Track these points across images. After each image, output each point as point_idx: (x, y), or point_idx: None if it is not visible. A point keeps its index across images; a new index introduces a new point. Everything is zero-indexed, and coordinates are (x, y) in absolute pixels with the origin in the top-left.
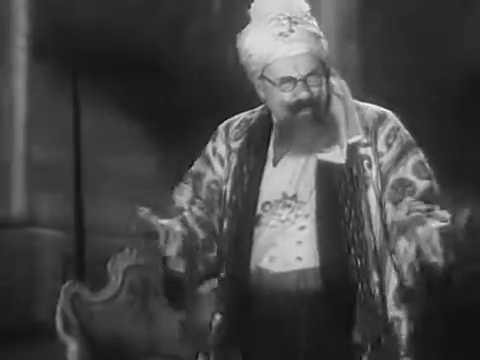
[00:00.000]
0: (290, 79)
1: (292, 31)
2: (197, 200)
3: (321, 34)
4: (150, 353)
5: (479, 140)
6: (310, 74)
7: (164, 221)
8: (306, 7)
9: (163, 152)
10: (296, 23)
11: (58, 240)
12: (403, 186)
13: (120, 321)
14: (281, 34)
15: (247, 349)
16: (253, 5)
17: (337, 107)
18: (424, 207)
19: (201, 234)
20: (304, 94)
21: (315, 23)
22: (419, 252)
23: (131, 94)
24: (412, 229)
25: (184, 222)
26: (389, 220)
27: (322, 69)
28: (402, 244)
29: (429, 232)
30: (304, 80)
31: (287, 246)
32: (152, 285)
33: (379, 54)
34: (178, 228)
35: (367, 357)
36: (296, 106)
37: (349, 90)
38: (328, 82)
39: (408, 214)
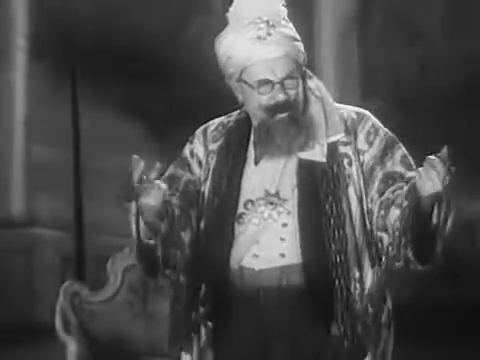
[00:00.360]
0: (267, 82)
1: (270, 34)
2: (176, 193)
3: (298, 37)
4: (149, 353)
5: None
6: (287, 77)
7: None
8: (283, 11)
9: (163, 152)
10: (274, 27)
11: (58, 240)
12: (393, 179)
13: (119, 321)
14: (259, 37)
15: (225, 344)
16: (231, 9)
17: (315, 108)
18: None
19: (177, 211)
20: (281, 97)
21: (292, 27)
22: (414, 195)
23: (131, 94)
24: (400, 199)
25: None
26: (376, 205)
27: (299, 72)
28: (393, 213)
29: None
30: (281, 83)
31: (270, 243)
32: (152, 285)
33: (379, 54)
34: (164, 186)
35: (344, 350)
36: (273, 109)
37: (327, 91)
38: (305, 84)
39: (393, 192)
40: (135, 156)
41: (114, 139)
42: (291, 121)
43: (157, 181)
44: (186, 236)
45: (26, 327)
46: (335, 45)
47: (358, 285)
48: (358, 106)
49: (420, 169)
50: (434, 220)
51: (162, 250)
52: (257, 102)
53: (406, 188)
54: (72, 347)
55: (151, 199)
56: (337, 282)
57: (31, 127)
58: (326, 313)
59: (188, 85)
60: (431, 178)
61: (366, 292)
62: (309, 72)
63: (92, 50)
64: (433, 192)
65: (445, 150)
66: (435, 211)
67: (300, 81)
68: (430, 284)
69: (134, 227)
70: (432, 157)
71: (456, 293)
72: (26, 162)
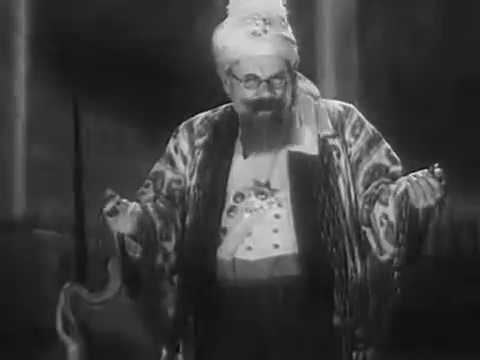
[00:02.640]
0: (255, 78)
1: (265, 32)
2: (160, 196)
3: (294, 40)
4: (150, 354)
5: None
6: (275, 76)
7: (125, 200)
8: (283, 11)
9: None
10: (270, 25)
11: (58, 241)
12: (379, 171)
13: (120, 322)
14: (254, 33)
15: (217, 338)
16: (231, 1)
17: (306, 106)
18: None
19: (158, 222)
20: (266, 95)
21: (289, 29)
22: (406, 199)
23: (132, 94)
24: (385, 195)
25: (144, 209)
26: (360, 199)
27: (289, 73)
28: (377, 210)
29: (415, 176)
30: (268, 81)
31: (263, 234)
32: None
33: (379, 54)
34: (137, 209)
35: (348, 340)
36: (256, 104)
37: (318, 91)
38: (294, 86)
39: (376, 188)
40: (108, 189)
41: (115, 140)
42: (273, 119)
43: (131, 206)
44: (170, 244)
45: (27, 328)
46: (335, 45)
47: (354, 274)
48: (358, 106)
49: (413, 178)
50: (422, 226)
51: (144, 269)
52: (242, 96)
53: (394, 187)
54: (72, 348)
55: (120, 227)
56: (337, 272)
57: (32, 128)
58: (326, 303)
59: (191, 88)
60: (424, 193)
61: (359, 283)
62: (299, 74)
63: (93, 51)
64: (425, 205)
65: (440, 170)
66: (421, 218)
67: (289, 82)
68: (432, 286)
69: (117, 245)
70: (428, 173)
71: (458, 295)
72: (27, 163)
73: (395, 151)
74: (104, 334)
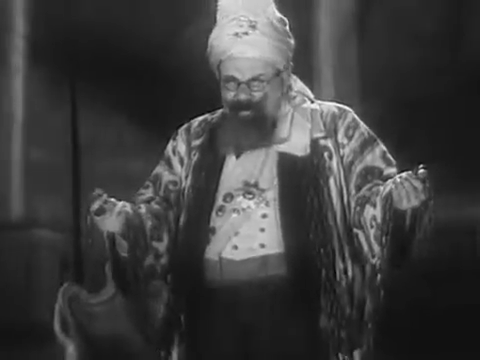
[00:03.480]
0: (234, 79)
1: (247, 34)
2: (156, 197)
3: (285, 45)
4: (148, 354)
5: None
6: (254, 79)
7: (112, 199)
8: (274, 15)
9: (162, 155)
10: (254, 27)
11: (56, 242)
12: (372, 174)
13: (118, 322)
14: (236, 34)
15: (205, 339)
16: (220, 2)
17: (299, 108)
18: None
19: (149, 223)
20: (243, 96)
21: (283, 34)
22: (390, 201)
23: (130, 96)
24: (374, 197)
25: (135, 210)
26: (353, 201)
27: (274, 76)
28: (367, 212)
29: (399, 177)
30: (247, 83)
31: (250, 234)
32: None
33: (379, 54)
34: (126, 208)
35: (335, 342)
36: (235, 105)
37: (311, 92)
38: (284, 88)
39: (369, 190)
40: (97, 190)
41: (113, 141)
42: (254, 119)
43: (118, 206)
44: (162, 245)
45: (25, 329)
46: (335, 45)
47: (343, 276)
48: (357, 107)
49: (398, 180)
50: (408, 229)
51: (130, 268)
52: (223, 96)
53: (382, 189)
54: (71, 349)
55: (107, 226)
56: (323, 273)
57: (30, 129)
58: (313, 304)
59: (188, 89)
60: (407, 194)
61: (349, 284)
62: (293, 75)
63: (91, 53)
64: (409, 206)
65: (424, 171)
66: (408, 221)
67: (271, 84)
68: (431, 287)
69: (107, 244)
70: (412, 174)
71: (458, 297)
72: (25, 164)
73: (394, 152)
74: (102, 334)
